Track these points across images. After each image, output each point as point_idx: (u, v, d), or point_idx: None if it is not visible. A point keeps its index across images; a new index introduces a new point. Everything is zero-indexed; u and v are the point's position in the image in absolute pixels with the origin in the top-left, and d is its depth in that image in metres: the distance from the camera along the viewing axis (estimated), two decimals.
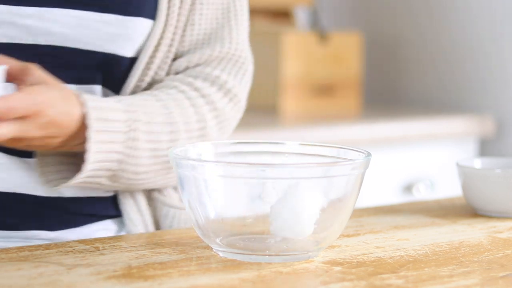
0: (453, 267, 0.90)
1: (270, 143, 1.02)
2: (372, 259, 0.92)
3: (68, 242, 0.97)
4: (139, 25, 1.08)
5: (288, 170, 0.89)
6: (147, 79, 1.11)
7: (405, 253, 0.95)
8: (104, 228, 1.12)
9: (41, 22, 1.03)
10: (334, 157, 0.97)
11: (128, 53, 1.08)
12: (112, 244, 0.96)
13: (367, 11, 2.65)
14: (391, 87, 2.61)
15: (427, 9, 2.49)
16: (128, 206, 1.12)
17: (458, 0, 2.42)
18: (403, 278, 0.86)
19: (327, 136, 2.00)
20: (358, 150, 0.95)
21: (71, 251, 0.93)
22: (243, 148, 1.02)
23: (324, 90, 2.38)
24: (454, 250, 0.97)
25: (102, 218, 1.13)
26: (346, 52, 2.40)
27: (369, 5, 2.64)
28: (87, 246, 0.95)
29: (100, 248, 0.94)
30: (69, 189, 1.08)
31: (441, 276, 0.87)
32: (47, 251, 0.93)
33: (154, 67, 1.11)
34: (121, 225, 1.14)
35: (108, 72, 1.08)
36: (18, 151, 1.03)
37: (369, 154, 0.93)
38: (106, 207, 1.12)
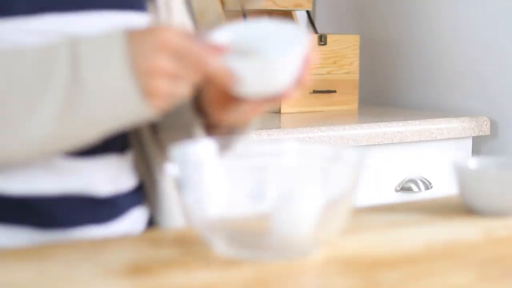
0: (449, 265, 0.91)
1: (270, 143, 1.02)
2: (370, 257, 0.93)
3: (72, 240, 0.97)
4: (146, 19, 1.13)
5: (287, 170, 0.90)
6: None
7: (402, 251, 0.95)
8: (132, 218, 1.16)
9: (87, 27, 1.06)
10: (332, 157, 0.98)
11: None
12: (115, 243, 0.97)
13: (364, 14, 2.65)
14: (387, 89, 2.61)
15: (423, 12, 2.50)
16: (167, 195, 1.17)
17: (454, 3, 2.43)
18: (400, 275, 0.86)
19: (326, 136, 2.00)
20: (356, 150, 0.96)
21: (75, 249, 0.93)
22: (243, 148, 1.02)
23: (323, 91, 2.38)
24: (450, 248, 0.98)
25: (133, 208, 1.16)
26: (344, 54, 2.41)
27: (366, 8, 2.64)
28: (91, 244, 0.96)
29: (103, 246, 0.95)
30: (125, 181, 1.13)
31: (437, 273, 0.88)
32: (51, 248, 0.93)
33: None
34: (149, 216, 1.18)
35: None
36: (81, 153, 1.07)
37: (366, 154, 0.93)
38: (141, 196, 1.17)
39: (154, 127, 1.19)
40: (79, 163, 1.08)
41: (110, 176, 1.11)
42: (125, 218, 1.14)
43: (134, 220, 1.16)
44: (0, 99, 0.96)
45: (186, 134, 1.16)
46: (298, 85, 1.02)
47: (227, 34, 1.01)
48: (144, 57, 0.95)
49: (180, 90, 0.97)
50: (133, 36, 0.97)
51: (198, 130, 1.15)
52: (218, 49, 0.97)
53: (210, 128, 1.14)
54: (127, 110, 0.98)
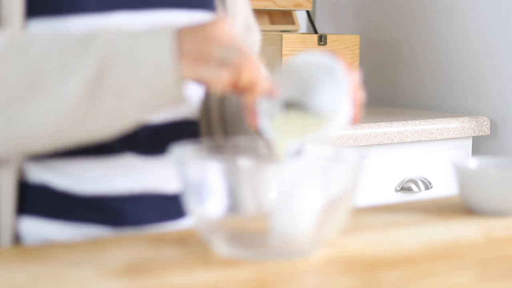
0: (449, 265, 0.91)
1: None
2: (370, 257, 0.93)
3: (71, 240, 0.97)
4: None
5: (287, 170, 0.90)
6: None
7: (402, 251, 0.95)
8: None
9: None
10: (332, 157, 0.98)
11: None
12: (116, 242, 0.96)
13: (365, 16, 2.65)
14: (388, 90, 2.61)
15: (424, 12, 2.50)
16: None
17: (454, 3, 2.43)
18: (400, 275, 0.86)
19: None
20: (355, 150, 0.96)
21: (74, 249, 0.93)
22: (245, 147, 1.02)
23: None
24: (449, 248, 0.98)
25: None
26: (345, 53, 2.41)
27: (367, 9, 2.64)
28: (91, 243, 0.96)
29: (103, 246, 0.95)
30: None
31: (437, 273, 0.88)
32: (51, 248, 0.93)
33: None
34: None
35: None
36: (150, 152, 1.10)
37: (365, 154, 0.93)
38: None
39: (225, 124, 1.21)
40: (148, 161, 1.10)
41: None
42: None
43: None
44: (39, 61, 0.97)
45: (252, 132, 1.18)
46: (353, 119, 1.03)
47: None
48: (189, 42, 0.96)
49: (214, 75, 0.96)
50: (184, 28, 0.98)
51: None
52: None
53: None
54: (158, 74, 0.97)
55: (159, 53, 0.96)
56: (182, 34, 0.97)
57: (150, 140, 1.11)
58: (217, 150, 0.99)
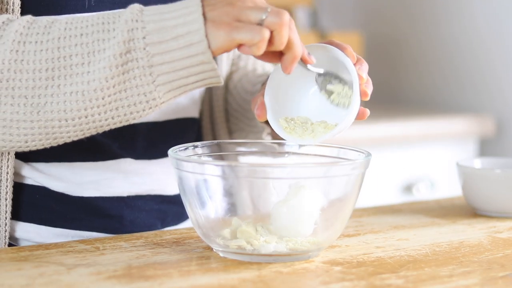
0: (453, 267, 0.90)
1: (270, 143, 1.02)
2: (372, 259, 0.92)
3: (68, 242, 0.97)
4: None
5: (288, 170, 0.89)
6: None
7: (405, 253, 0.95)
8: None
9: None
10: (334, 157, 0.98)
11: None
12: (112, 244, 0.96)
13: (367, 12, 2.65)
14: (391, 87, 2.61)
15: (427, 9, 2.49)
16: None
17: (457, 0, 2.42)
18: (403, 278, 0.86)
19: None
20: (358, 150, 0.95)
21: (71, 251, 0.93)
22: (244, 148, 1.02)
23: None
24: (454, 250, 0.97)
25: None
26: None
27: (369, 5, 2.64)
28: (87, 246, 0.95)
29: (101, 248, 0.94)
30: None
31: (441, 276, 0.87)
32: (47, 251, 0.93)
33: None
34: None
35: None
36: (150, 154, 1.09)
37: (369, 154, 0.93)
38: None
39: (228, 120, 1.20)
40: (147, 164, 1.09)
41: None
42: None
43: None
44: (62, 43, 0.92)
45: (256, 137, 1.18)
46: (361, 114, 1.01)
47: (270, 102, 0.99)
48: (217, 8, 0.90)
49: (247, 37, 0.89)
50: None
51: (266, 135, 1.17)
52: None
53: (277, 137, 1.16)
54: (189, 45, 0.90)
55: (189, 22, 0.89)
56: (209, 2, 0.90)
57: (150, 140, 1.10)
58: (216, 151, 0.99)
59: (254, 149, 1.02)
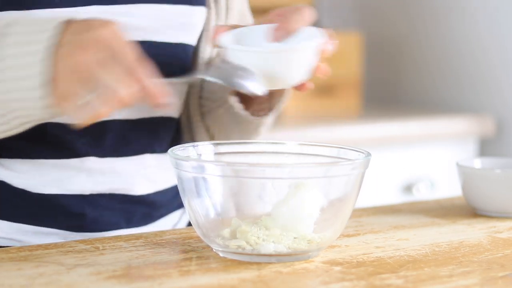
0: (453, 267, 0.90)
1: (270, 143, 1.02)
2: (372, 259, 0.92)
3: (68, 242, 0.97)
4: (200, 13, 1.13)
5: (288, 170, 0.89)
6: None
7: (405, 253, 0.95)
8: (171, 220, 1.16)
9: (132, 19, 1.06)
10: (334, 157, 0.97)
11: (193, 41, 1.13)
12: (112, 244, 0.96)
13: (367, 11, 2.64)
14: (391, 87, 2.61)
15: (427, 9, 2.49)
16: None
17: (457, 0, 2.42)
18: (403, 278, 0.86)
19: (327, 136, 2.00)
20: (358, 150, 0.95)
21: (71, 251, 0.92)
22: (243, 148, 1.02)
23: (324, 90, 2.37)
24: (454, 250, 0.97)
25: (173, 210, 1.17)
26: (346, 52, 2.40)
27: (369, 5, 2.64)
28: (87, 246, 0.95)
29: (100, 248, 0.94)
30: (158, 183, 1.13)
31: (441, 276, 0.87)
32: (47, 251, 0.92)
33: (207, 51, 1.17)
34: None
35: (179, 63, 1.13)
36: (119, 152, 1.08)
37: (368, 154, 0.93)
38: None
39: (207, 125, 1.20)
40: (115, 162, 1.08)
41: (146, 176, 1.11)
42: (166, 219, 1.15)
43: (174, 221, 1.17)
44: None
45: (236, 129, 1.17)
46: (313, 75, 1.02)
47: (232, 36, 1.02)
48: (69, 49, 0.86)
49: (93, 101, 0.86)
50: (71, 25, 0.88)
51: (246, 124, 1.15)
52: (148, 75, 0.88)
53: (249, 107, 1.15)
54: (25, 91, 0.88)
55: (30, 69, 0.87)
56: (61, 38, 0.87)
57: (122, 137, 1.09)
58: (216, 151, 0.99)
59: (253, 149, 1.02)
